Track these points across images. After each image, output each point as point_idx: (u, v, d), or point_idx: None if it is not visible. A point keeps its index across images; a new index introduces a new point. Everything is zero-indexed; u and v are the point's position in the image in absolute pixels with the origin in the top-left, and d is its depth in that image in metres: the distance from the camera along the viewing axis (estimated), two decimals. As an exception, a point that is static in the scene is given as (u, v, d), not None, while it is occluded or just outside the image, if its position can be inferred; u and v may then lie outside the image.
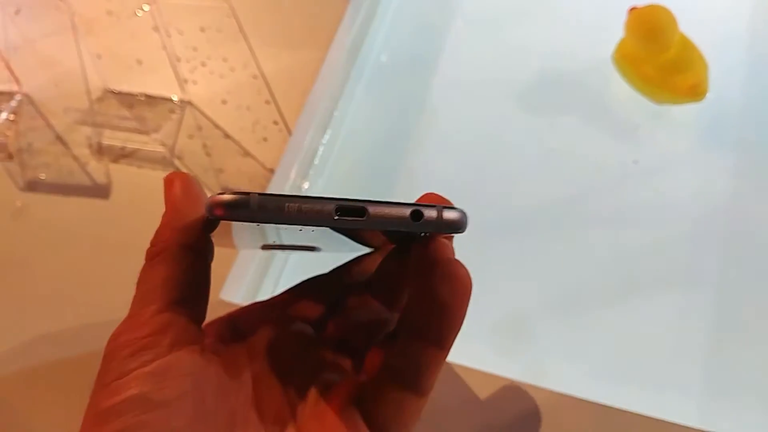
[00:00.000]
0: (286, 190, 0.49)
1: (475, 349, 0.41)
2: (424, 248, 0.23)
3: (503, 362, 0.43)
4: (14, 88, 0.56)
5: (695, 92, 0.50)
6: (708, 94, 0.50)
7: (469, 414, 0.38)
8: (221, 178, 0.49)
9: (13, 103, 0.56)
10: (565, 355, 0.45)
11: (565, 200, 0.51)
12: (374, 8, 0.58)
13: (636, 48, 0.52)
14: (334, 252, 0.32)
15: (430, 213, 0.20)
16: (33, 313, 0.46)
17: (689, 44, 0.51)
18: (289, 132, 0.50)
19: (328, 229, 0.22)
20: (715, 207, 0.49)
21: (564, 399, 0.38)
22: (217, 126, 0.51)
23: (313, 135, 0.50)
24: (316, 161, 0.52)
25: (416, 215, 0.20)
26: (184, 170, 0.50)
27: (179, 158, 0.50)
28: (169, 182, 0.26)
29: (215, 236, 0.25)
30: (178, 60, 0.54)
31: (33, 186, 0.52)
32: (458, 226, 0.21)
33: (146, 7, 0.55)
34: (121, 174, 0.51)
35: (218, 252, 0.26)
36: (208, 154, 0.50)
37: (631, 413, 0.37)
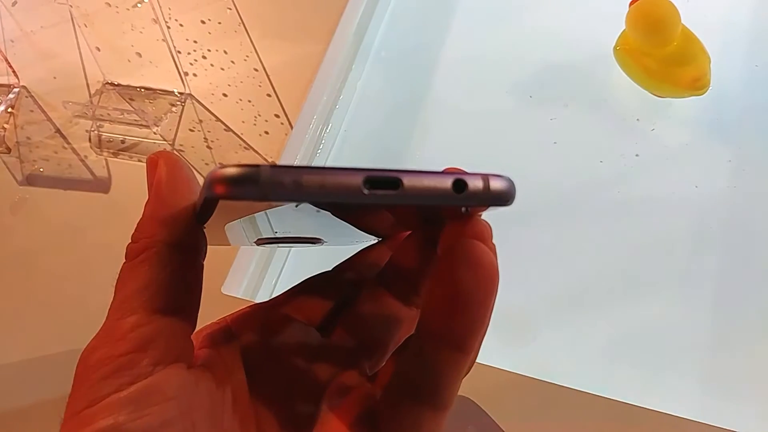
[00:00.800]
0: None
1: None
2: (451, 229, 0.20)
3: (507, 356, 0.43)
4: (12, 80, 0.56)
5: (697, 85, 0.50)
6: (710, 88, 0.50)
7: (472, 408, 0.38)
8: (223, 172, 0.49)
9: (11, 96, 0.56)
10: (569, 349, 0.45)
11: (568, 193, 0.51)
12: (374, 5, 0.58)
13: (637, 41, 0.52)
14: (337, 244, 0.29)
15: (476, 183, 0.17)
16: (33, 307, 0.46)
17: (692, 37, 0.51)
18: (291, 125, 0.50)
19: (329, 215, 0.19)
20: (716, 200, 0.49)
21: (567, 392, 0.38)
22: (218, 119, 0.51)
23: (314, 128, 0.50)
24: (318, 154, 0.51)
25: (459, 185, 0.17)
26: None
27: (180, 151, 0.50)
28: (152, 164, 0.22)
29: (207, 230, 0.22)
30: (179, 52, 0.54)
31: (32, 180, 0.52)
32: (506, 197, 0.18)
33: (145, -1, 0.54)
34: (121, 167, 0.51)
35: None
36: (209, 147, 0.50)
37: (633, 406, 0.37)
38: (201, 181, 0.20)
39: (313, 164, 0.51)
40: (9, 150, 0.53)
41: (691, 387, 0.43)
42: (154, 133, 0.51)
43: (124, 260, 0.21)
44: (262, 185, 0.15)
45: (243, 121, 0.51)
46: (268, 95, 0.51)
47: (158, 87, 0.53)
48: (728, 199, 0.49)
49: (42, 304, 0.46)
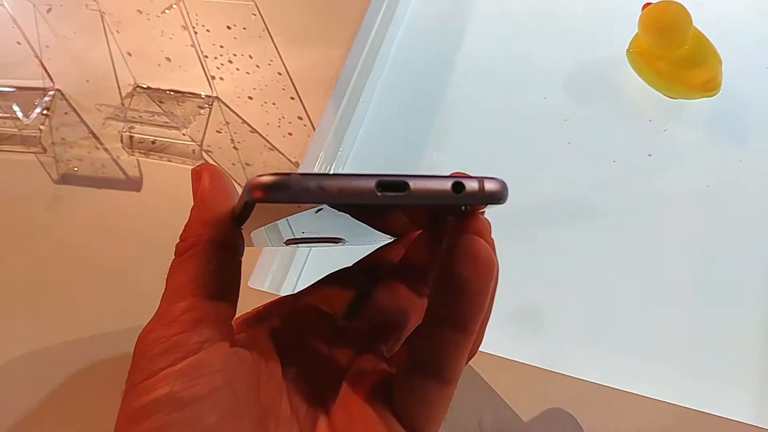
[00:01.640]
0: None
1: (492, 335, 0.42)
2: (454, 226, 0.22)
3: (520, 348, 0.45)
4: (47, 84, 0.59)
5: (709, 87, 0.51)
6: (721, 89, 0.51)
7: (485, 398, 0.39)
8: (249, 171, 0.51)
9: (47, 99, 0.58)
10: (581, 341, 0.47)
11: (581, 191, 0.52)
12: (394, 6, 0.60)
13: (650, 44, 0.53)
14: (357, 243, 0.32)
15: (472, 185, 0.20)
16: (70, 302, 0.48)
17: (703, 39, 0.52)
18: (313, 127, 0.52)
19: (349, 217, 0.22)
20: (727, 199, 0.51)
21: (579, 384, 0.39)
22: (243, 121, 0.53)
23: (335, 129, 0.52)
24: (339, 154, 0.53)
25: (458, 187, 0.20)
26: (213, 164, 0.52)
27: (208, 152, 0.52)
28: (196, 175, 0.25)
29: (244, 231, 0.25)
30: (206, 57, 0.56)
31: (67, 179, 0.54)
32: (499, 196, 0.20)
33: (174, 5, 0.57)
34: (151, 167, 0.53)
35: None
36: (235, 148, 0.52)
37: (645, 398, 0.38)
38: (235, 186, 0.25)
39: (334, 165, 0.53)
40: (45, 150, 0.56)
41: (703, 380, 0.45)
42: (183, 135, 0.53)
43: (174, 256, 0.24)
44: (292, 190, 0.18)
45: (267, 123, 0.53)
46: (292, 98, 0.53)
47: (187, 90, 0.55)
48: (740, 199, 0.51)
49: (80, 291, 0.48)
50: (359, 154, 0.55)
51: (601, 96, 0.56)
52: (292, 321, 0.28)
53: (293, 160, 0.51)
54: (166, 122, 0.53)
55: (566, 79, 0.58)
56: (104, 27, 0.58)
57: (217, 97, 0.55)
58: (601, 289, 0.48)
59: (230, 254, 0.24)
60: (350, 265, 0.30)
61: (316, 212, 0.21)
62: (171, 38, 0.56)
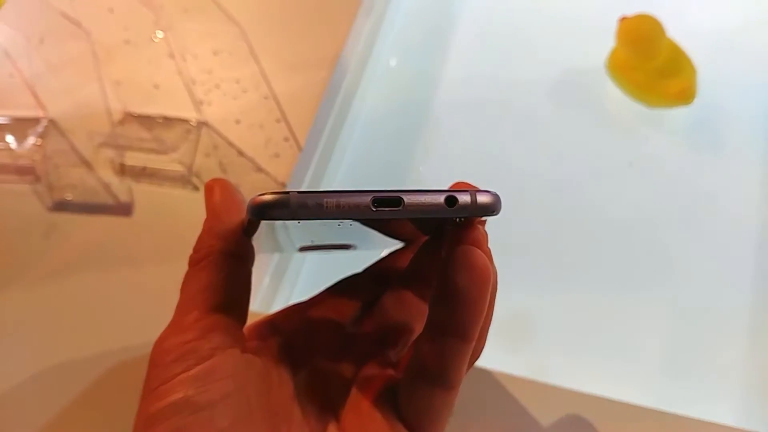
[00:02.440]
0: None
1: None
2: (453, 236, 0.23)
3: (507, 359, 0.45)
4: (40, 113, 0.60)
5: (684, 96, 0.52)
6: (697, 98, 0.53)
7: (473, 410, 0.40)
8: (237, 194, 0.52)
9: (40, 128, 0.59)
10: (567, 351, 0.48)
11: (564, 202, 0.53)
12: (378, 26, 0.61)
13: (627, 55, 0.54)
14: (368, 249, 0.33)
15: (464, 198, 0.20)
16: (68, 317, 0.49)
17: (678, 50, 0.54)
18: (300, 147, 0.53)
19: (358, 223, 0.23)
20: (707, 206, 0.51)
21: (567, 394, 0.40)
22: (231, 144, 0.54)
23: (321, 149, 0.53)
24: (326, 174, 0.55)
25: (450, 201, 0.20)
26: (202, 188, 0.53)
27: (197, 176, 0.53)
28: (209, 189, 0.27)
29: (255, 242, 0.26)
30: (194, 83, 0.57)
31: (60, 206, 0.55)
32: (492, 208, 0.21)
33: (161, 34, 0.58)
34: (142, 193, 0.54)
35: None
36: (224, 171, 0.53)
37: (633, 406, 0.39)
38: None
39: (322, 184, 0.54)
40: (38, 179, 0.57)
41: (690, 388, 0.45)
42: (173, 160, 0.54)
43: (188, 268, 0.25)
44: (291, 208, 0.19)
45: (255, 146, 0.54)
46: (278, 120, 0.54)
47: (175, 116, 0.56)
48: (718, 204, 0.52)
49: (76, 314, 0.49)
50: (346, 171, 0.56)
51: (583, 107, 0.58)
52: (302, 328, 0.29)
53: (280, 180, 0.52)
54: (155, 148, 0.54)
55: (548, 92, 0.59)
56: (94, 58, 0.59)
57: (205, 122, 0.56)
58: (586, 298, 0.49)
59: (241, 264, 0.25)
60: (360, 271, 0.31)
61: (324, 223, 0.22)
62: (159, 66, 0.57)
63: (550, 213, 0.53)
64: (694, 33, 0.55)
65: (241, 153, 0.54)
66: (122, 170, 0.55)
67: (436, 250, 0.28)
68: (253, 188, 0.52)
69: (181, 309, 0.24)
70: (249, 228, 0.24)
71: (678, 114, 0.55)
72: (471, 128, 0.58)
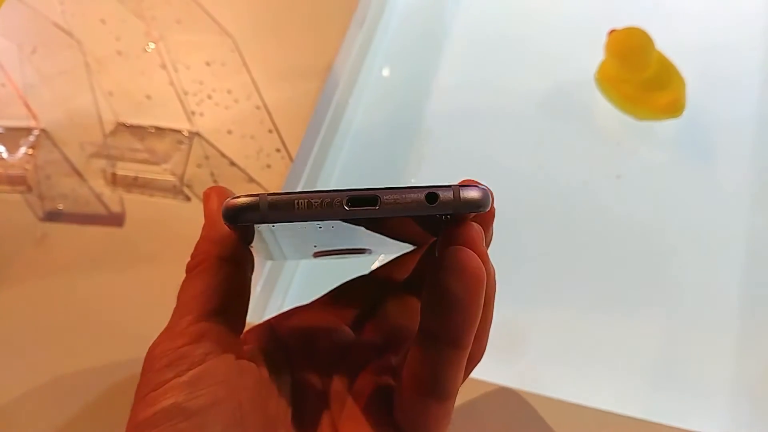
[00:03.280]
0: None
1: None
2: (444, 236, 0.22)
3: (498, 370, 0.46)
4: (32, 123, 0.60)
5: (673, 108, 0.53)
6: (686, 110, 0.53)
7: (466, 422, 0.40)
8: (228, 204, 0.52)
9: (32, 138, 0.59)
10: (559, 361, 0.48)
11: (553, 214, 0.54)
12: (370, 37, 0.61)
13: (616, 68, 0.55)
14: (382, 253, 0.31)
15: (446, 194, 0.19)
16: (62, 325, 0.49)
17: (667, 63, 0.54)
18: (291, 158, 0.53)
19: (362, 228, 0.22)
20: (695, 218, 0.52)
21: (560, 405, 0.39)
22: (223, 155, 0.55)
23: (313, 160, 0.53)
24: (318, 184, 0.55)
25: (431, 197, 0.19)
26: (194, 198, 0.53)
27: (188, 186, 0.54)
28: (207, 196, 0.26)
29: (257, 248, 0.25)
30: (185, 93, 0.57)
31: (52, 216, 0.55)
32: (479, 204, 0.19)
33: (153, 45, 0.58)
34: (134, 203, 0.54)
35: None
36: (215, 182, 0.53)
37: (624, 417, 0.39)
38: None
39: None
40: (30, 189, 0.57)
41: (684, 398, 0.45)
42: (164, 170, 0.54)
43: (185, 274, 0.25)
44: (262, 211, 0.19)
45: (246, 156, 0.54)
46: (270, 131, 0.55)
47: (167, 126, 0.57)
48: (706, 216, 0.52)
49: (68, 323, 0.49)
50: (338, 182, 0.56)
51: (573, 119, 0.58)
52: (302, 332, 0.28)
53: (271, 191, 0.52)
54: (147, 158, 0.54)
55: (538, 104, 0.59)
56: (87, 69, 0.59)
57: (196, 133, 0.56)
58: (576, 309, 0.49)
59: (237, 269, 0.25)
60: (364, 274, 0.31)
61: (320, 227, 0.21)
62: (151, 77, 0.57)
63: (539, 223, 0.53)
64: (683, 46, 0.56)
65: (232, 163, 0.54)
66: (114, 180, 0.55)
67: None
68: (245, 199, 0.52)
69: (176, 314, 0.24)
70: (242, 234, 0.23)
71: (667, 126, 0.55)
72: (462, 138, 0.59)
